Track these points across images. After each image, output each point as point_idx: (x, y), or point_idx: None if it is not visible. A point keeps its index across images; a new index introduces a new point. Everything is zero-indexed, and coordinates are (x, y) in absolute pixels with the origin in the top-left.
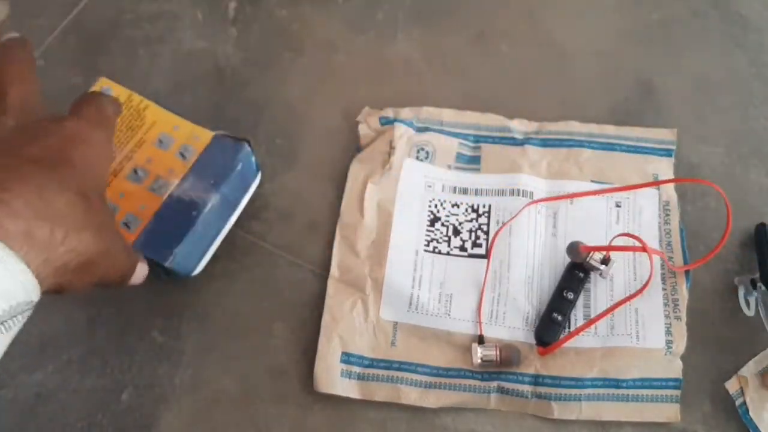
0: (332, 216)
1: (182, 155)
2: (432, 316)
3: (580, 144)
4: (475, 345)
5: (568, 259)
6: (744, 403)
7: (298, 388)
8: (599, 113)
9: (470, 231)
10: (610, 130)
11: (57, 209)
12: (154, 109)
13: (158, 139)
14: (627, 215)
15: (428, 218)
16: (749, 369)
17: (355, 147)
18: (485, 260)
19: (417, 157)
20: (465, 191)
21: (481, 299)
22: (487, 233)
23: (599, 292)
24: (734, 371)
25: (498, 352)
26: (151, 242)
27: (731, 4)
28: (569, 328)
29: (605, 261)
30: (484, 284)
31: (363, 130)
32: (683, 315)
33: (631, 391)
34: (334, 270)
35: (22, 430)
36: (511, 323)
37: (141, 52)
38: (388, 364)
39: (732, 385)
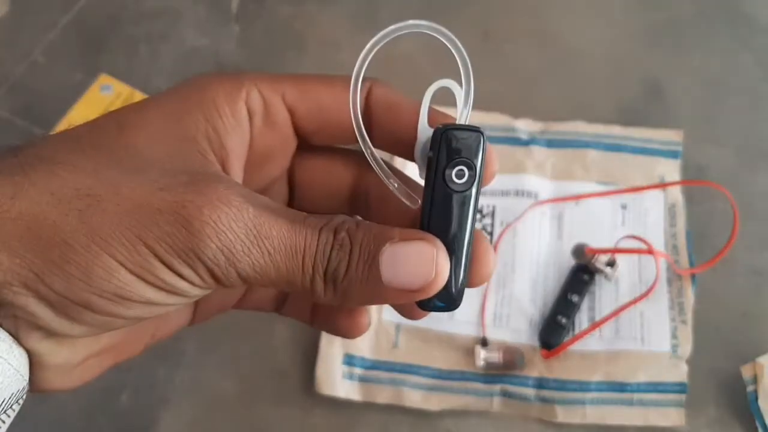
0: None
1: None
2: (435, 318)
3: (586, 144)
4: (478, 347)
5: (573, 261)
6: (755, 390)
7: (299, 390)
8: (605, 113)
9: None
10: (616, 130)
11: None
12: None
13: None
14: (633, 217)
15: None
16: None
17: None
18: None
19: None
20: None
21: (484, 301)
22: (491, 234)
23: (604, 295)
24: (740, 375)
25: (501, 355)
26: None
27: (738, 4)
28: (574, 331)
29: (611, 263)
30: (488, 286)
31: None
32: (689, 318)
33: (635, 395)
34: None
35: (21, 431)
36: (515, 326)
37: (142, 49)
38: (391, 366)
39: (747, 371)
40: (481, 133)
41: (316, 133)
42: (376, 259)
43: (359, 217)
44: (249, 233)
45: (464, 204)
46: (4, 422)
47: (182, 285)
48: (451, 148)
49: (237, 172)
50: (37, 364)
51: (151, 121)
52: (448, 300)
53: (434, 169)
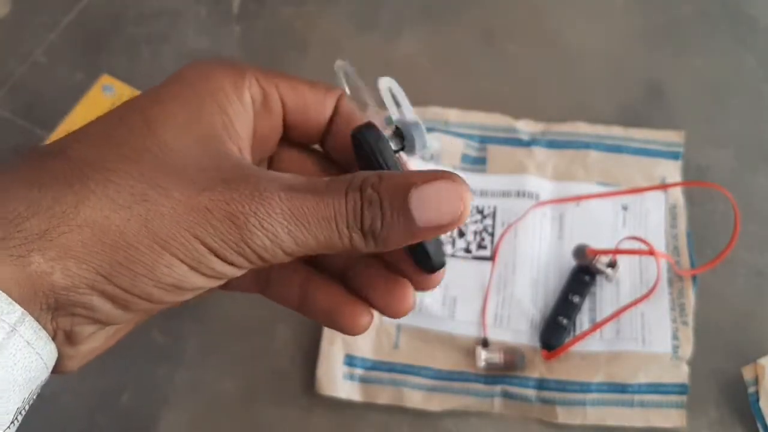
0: None
1: None
2: (436, 319)
3: (587, 145)
4: (479, 348)
5: (574, 262)
6: (756, 392)
7: (300, 391)
8: (607, 114)
9: (475, 233)
10: (617, 131)
11: None
12: None
13: None
14: (634, 218)
15: None
16: None
17: None
18: (490, 262)
19: (422, 158)
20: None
21: (485, 302)
22: (492, 235)
23: (605, 296)
24: (741, 377)
25: (502, 356)
26: None
27: (740, 4)
28: (575, 332)
29: (612, 264)
30: (488, 287)
31: None
32: (690, 319)
33: (636, 396)
34: None
35: (22, 431)
36: (516, 326)
37: (144, 50)
38: (391, 367)
39: (748, 372)
40: (373, 127)
41: (296, 127)
42: (406, 205)
43: (379, 171)
44: (285, 215)
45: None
46: (26, 410)
47: (230, 270)
48: (358, 146)
49: (247, 156)
50: (67, 356)
51: (173, 114)
52: (435, 250)
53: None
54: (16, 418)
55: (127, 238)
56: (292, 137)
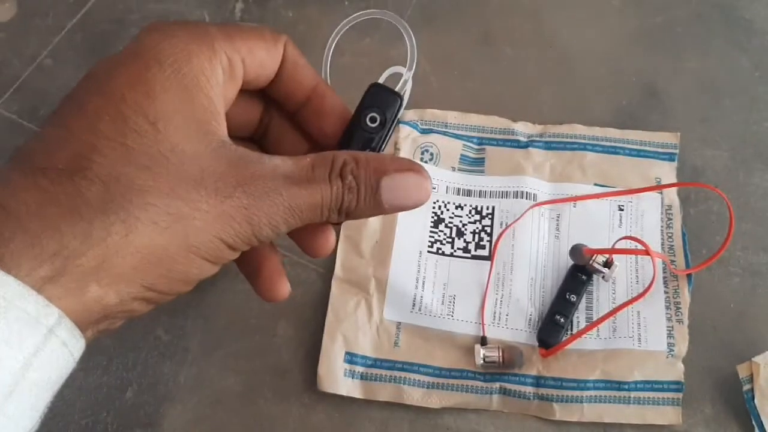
0: None
1: None
2: (435, 317)
3: (584, 147)
4: (477, 346)
5: (571, 262)
6: (751, 389)
7: (302, 388)
8: (603, 116)
9: (474, 233)
10: (613, 133)
11: None
12: None
13: None
14: (629, 219)
15: (432, 219)
16: (765, 357)
17: None
18: (488, 262)
19: (421, 159)
20: (469, 193)
21: (484, 301)
22: (490, 235)
23: (602, 295)
24: (736, 375)
25: (500, 354)
26: None
27: (735, 7)
28: (572, 330)
29: (608, 264)
30: (487, 286)
31: None
32: (685, 318)
33: (632, 394)
34: (338, 270)
35: None
36: (514, 325)
37: None
38: (391, 364)
39: (743, 370)
40: (400, 97)
41: (249, 81)
42: (378, 190)
43: (354, 154)
44: (286, 209)
45: (370, 140)
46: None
47: (234, 255)
48: (369, 98)
49: (225, 131)
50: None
51: (171, 112)
52: None
53: (357, 111)
54: (43, 412)
55: (169, 253)
56: (244, 87)
